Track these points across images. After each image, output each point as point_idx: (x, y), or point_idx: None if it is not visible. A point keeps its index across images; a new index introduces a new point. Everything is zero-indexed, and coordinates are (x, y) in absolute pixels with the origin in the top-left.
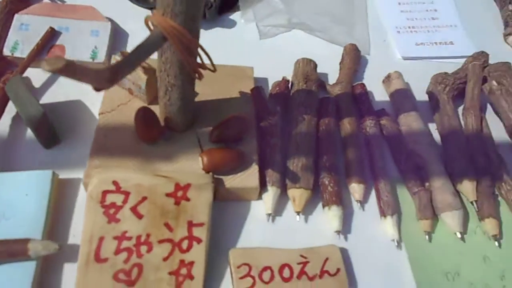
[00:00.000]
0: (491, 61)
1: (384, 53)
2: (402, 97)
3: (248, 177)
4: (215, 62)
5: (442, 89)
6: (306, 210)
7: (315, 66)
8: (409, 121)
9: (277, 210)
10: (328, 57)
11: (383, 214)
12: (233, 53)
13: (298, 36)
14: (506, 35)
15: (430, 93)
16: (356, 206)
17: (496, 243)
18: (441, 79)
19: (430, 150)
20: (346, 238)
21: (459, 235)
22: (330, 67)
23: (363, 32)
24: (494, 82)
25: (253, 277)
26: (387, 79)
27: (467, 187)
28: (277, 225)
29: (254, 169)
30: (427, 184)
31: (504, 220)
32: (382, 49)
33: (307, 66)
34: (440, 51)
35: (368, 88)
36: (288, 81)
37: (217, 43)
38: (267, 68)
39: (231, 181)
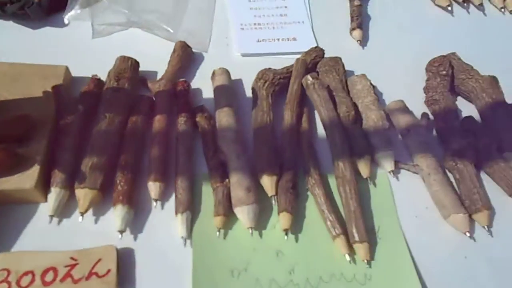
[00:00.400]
0: (339, 55)
1: (223, 51)
2: (221, 93)
3: (25, 179)
4: (38, 62)
5: (262, 85)
6: (98, 210)
7: (134, 63)
8: (221, 117)
9: (66, 211)
10: (164, 55)
11: (176, 211)
12: (61, 53)
13: (135, 35)
14: (351, 30)
15: (252, 89)
16: (154, 205)
17: (286, 237)
18: (261, 75)
19: (233, 146)
20: (135, 238)
21: (250, 231)
22: (165, 65)
23: (204, 29)
24: (309, 77)
25: (9, 283)
26: (213, 76)
27: (266, 182)
28: (63, 227)
29: (33, 170)
30: (227, 180)
31: (307, 214)
32: (223, 46)
33: (122, 64)
34: (281, 47)
35: (200, 86)
36: (98, 79)
37: (44, 43)
38: (96, 68)
39: (2, 184)
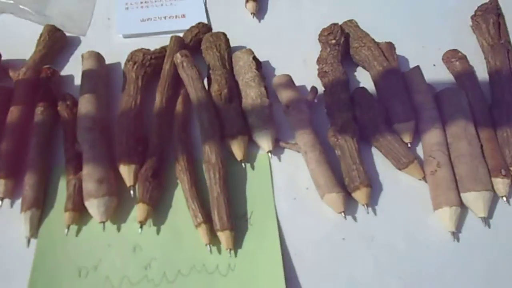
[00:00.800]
0: (233, 32)
1: (104, 33)
2: (85, 79)
3: None
4: None
5: (131, 67)
6: None
7: None
8: (81, 105)
9: None
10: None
11: (20, 210)
12: None
13: (8, 21)
14: (246, 2)
15: (123, 72)
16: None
17: (140, 230)
18: (130, 56)
19: (87, 135)
20: None
21: (102, 226)
22: None
23: (84, 11)
24: (178, 55)
25: None
26: (82, 60)
27: (123, 172)
28: None
29: None
30: (81, 172)
31: (174, 204)
32: (103, 28)
33: None
34: (169, 26)
35: (74, 72)
36: None
37: None
38: None
39: None
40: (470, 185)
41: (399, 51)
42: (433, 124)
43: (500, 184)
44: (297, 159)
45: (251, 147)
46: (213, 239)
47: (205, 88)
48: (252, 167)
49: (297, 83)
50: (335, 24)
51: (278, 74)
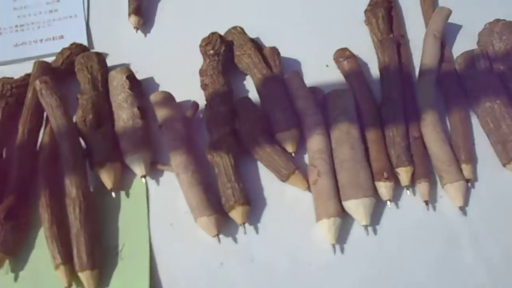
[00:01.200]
0: (117, 50)
1: None
2: None
3: None
4: None
5: None
6: None
7: None
8: None
9: None
10: None
11: None
12: None
13: None
14: (129, 16)
15: None
16: None
17: None
18: None
19: None
20: None
21: None
22: None
23: None
24: (37, 82)
25: None
26: None
27: None
28: None
29: None
30: None
31: (37, 246)
32: None
33: None
34: (45, 49)
35: None
36: None
37: None
38: None
39: None
40: (350, 193)
41: (291, 54)
42: (315, 130)
43: (383, 188)
44: (176, 181)
45: (127, 173)
46: (77, 280)
47: (66, 116)
48: (127, 194)
49: (185, 98)
50: (213, 33)
51: (163, 90)
